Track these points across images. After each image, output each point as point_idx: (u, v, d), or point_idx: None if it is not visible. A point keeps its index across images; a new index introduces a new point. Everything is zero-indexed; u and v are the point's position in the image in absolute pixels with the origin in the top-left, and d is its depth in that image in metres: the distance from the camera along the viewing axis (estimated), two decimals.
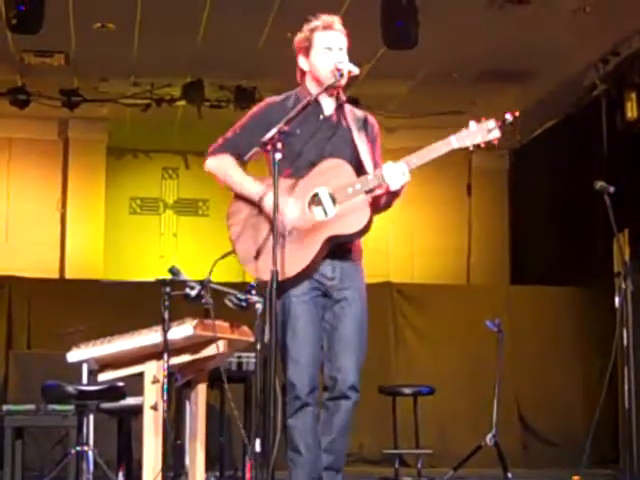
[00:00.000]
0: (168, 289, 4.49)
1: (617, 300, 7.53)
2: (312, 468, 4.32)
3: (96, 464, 6.43)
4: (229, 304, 4.37)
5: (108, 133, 12.35)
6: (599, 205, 6.82)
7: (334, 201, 4.35)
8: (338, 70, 4.41)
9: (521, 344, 9.82)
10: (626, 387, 6.90)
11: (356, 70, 4.47)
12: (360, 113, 4.62)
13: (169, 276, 4.53)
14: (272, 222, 4.13)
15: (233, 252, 4.44)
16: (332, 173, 4.37)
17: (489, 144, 4.29)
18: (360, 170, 4.39)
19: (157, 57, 10.07)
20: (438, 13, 8.68)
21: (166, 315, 4.45)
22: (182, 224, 13.48)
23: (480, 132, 4.26)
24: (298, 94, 4.54)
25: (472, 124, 4.28)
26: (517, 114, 4.24)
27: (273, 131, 4.11)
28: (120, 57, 10.14)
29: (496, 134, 4.25)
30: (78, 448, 6.34)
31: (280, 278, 4.10)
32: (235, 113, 10.96)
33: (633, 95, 9.62)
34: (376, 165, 4.44)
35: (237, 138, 4.49)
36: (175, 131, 12.40)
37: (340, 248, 4.40)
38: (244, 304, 4.32)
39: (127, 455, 6.64)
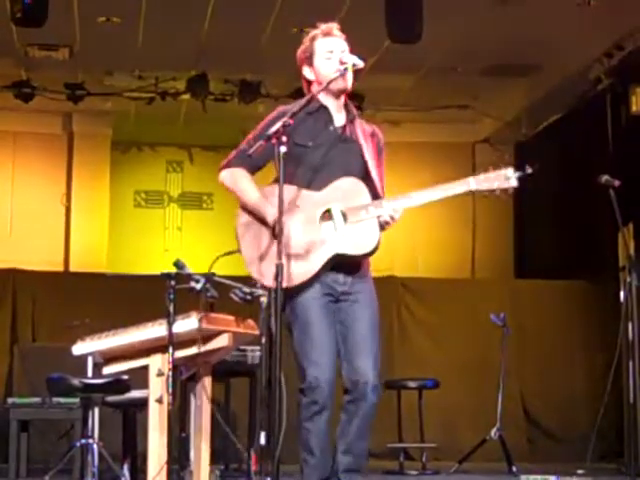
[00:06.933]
0: (173, 282, 4.50)
1: (622, 294, 7.52)
2: (323, 469, 4.36)
3: (101, 457, 6.45)
4: (234, 297, 4.38)
5: (112, 127, 12.34)
6: (604, 199, 6.83)
7: (345, 219, 4.35)
8: (342, 63, 4.42)
9: (525, 338, 9.82)
10: (631, 381, 6.90)
11: (360, 63, 4.46)
12: (368, 127, 4.65)
13: (174, 270, 4.54)
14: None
15: (239, 252, 4.45)
16: (348, 191, 4.38)
17: (505, 192, 4.34)
18: (367, 184, 4.41)
19: (162, 51, 10.06)
20: (442, 7, 8.65)
21: (171, 308, 4.46)
22: (187, 218, 13.48)
23: (498, 179, 4.31)
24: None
25: (491, 170, 4.32)
26: (536, 167, 4.29)
27: (278, 124, 4.12)
28: (125, 51, 10.13)
29: (513, 183, 4.30)
30: (83, 441, 6.37)
31: (284, 285, 4.08)
32: (240, 107, 10.97)
33: (638, 89, 9.63)
34: (380, 179, 4.49)
35: (250, 149, 4.33)
36: (180, 124, 12.40)
37: (348, 265, 4.41)
38: (249, 297, 4.33)
39: (132, 448, 6.65)
